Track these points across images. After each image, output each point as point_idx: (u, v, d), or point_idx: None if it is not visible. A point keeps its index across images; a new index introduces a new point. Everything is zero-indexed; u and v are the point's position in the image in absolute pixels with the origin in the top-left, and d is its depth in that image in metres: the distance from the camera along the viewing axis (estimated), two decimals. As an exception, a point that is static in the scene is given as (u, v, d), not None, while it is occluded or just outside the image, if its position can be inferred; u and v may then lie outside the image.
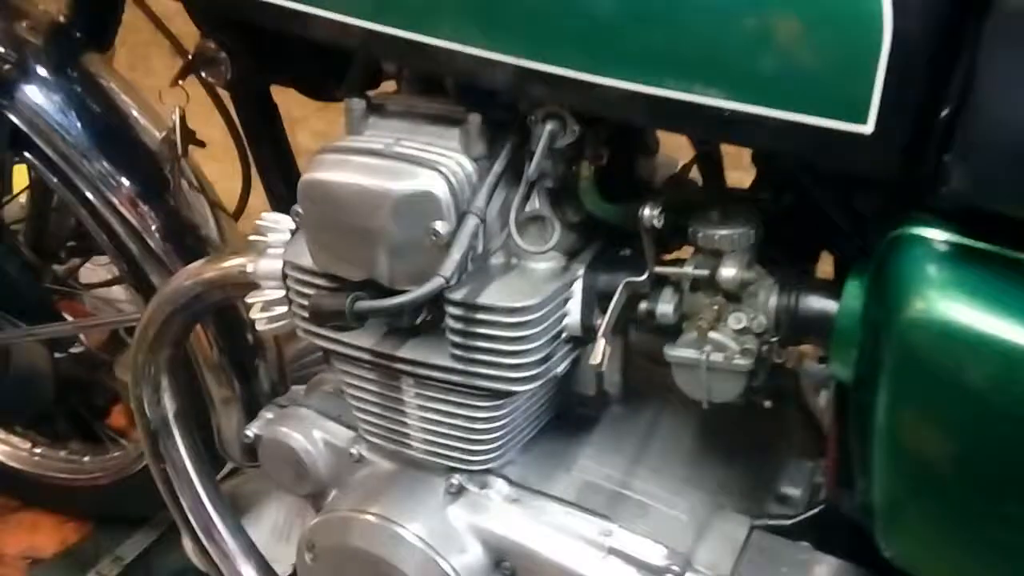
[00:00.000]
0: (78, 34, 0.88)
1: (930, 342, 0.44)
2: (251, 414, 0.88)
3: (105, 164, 0.89)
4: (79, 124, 0.89)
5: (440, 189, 0.52)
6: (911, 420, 0.46)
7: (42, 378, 1.01)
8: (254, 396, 0.90)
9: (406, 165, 0.53)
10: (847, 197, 0.51)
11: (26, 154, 0.88)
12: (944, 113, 0.44)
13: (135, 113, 0.93)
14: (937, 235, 0.46)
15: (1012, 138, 0.41)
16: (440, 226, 0.52)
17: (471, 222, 0.52)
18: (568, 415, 0.66)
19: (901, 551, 0.50)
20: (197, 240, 0.93)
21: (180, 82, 0.67)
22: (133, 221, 0.89)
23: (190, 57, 0.66)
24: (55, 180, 0.89)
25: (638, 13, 0.45)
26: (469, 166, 0.54)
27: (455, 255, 0.52)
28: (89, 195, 0.88)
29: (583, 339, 0.58)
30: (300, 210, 0.56)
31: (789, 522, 0.60)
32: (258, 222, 0.65)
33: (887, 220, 0.48)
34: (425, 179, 0.52)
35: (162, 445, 0.74)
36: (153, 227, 0.90)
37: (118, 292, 1.17)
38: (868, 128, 0.43)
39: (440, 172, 0.52)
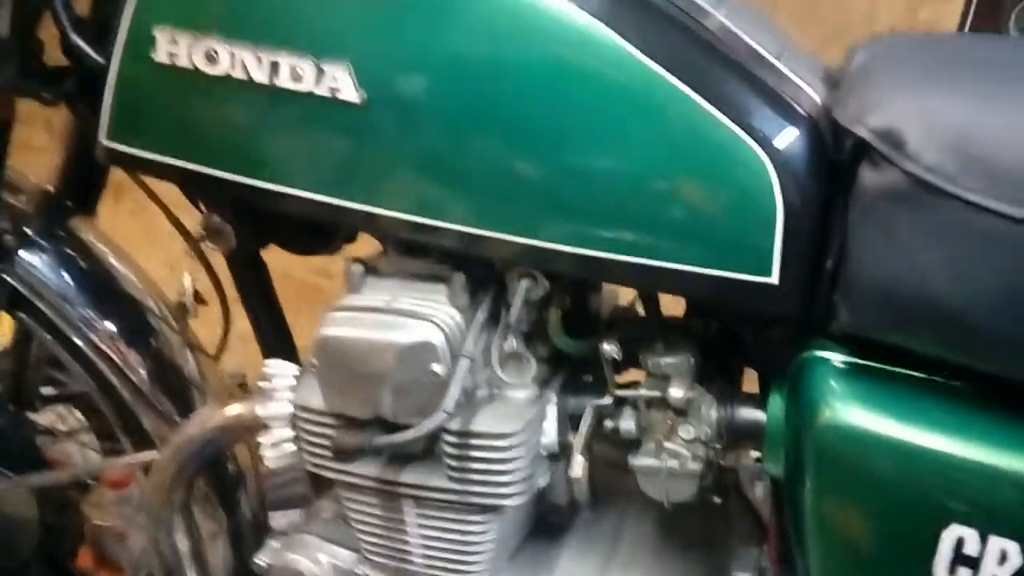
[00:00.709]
0: (68, 202, 0.98)
1: (838, 444, 0.57)
2: (236, 545, 0.96)
3: (92, 313, 0.97)
4: (68, 279, 0.97)
5: (436, 338, 0.63)
6: (831, 508, 0.58)
7: (29, 527, 1.06)
8: (239, 526, 0.97)
9: (405, 319, 0.64)
10: (760, 327, 0.65)
11: (20, 314, 0.96)
12: (829, 263, 0.58)
13: (118, 265, 1.02)
14: (837, 357, 0.59)
15: (878, 285, 0.55)
16: (438, 368, 0.63)
17: (464, 363, 0.63)
18: (542, 523, 0.76)
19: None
20: (181, 380, 1.01)
21: (196, 249, 0.78)
22: (120, 364, 0.97)
23: (200, 230, 0.76)
24: (45, 333, 0.97)
25: (586, 196, 0.58)
26: (457, 316, 0.65)
27: (454, 392, 0.63)
28: (78, 342, 0.96)
29: (557, 455, 0.70)
30: (315, 361, 0.67)
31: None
32: (264, 370, 0.74)
33: (795, 344, 0.62)
34: (423, 330, 0.63)
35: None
36: (140, 369, 0.98)
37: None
38: (773, 279, 0.57)
39: (434, 323, 0.64)
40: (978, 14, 1.46)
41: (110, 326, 0.98)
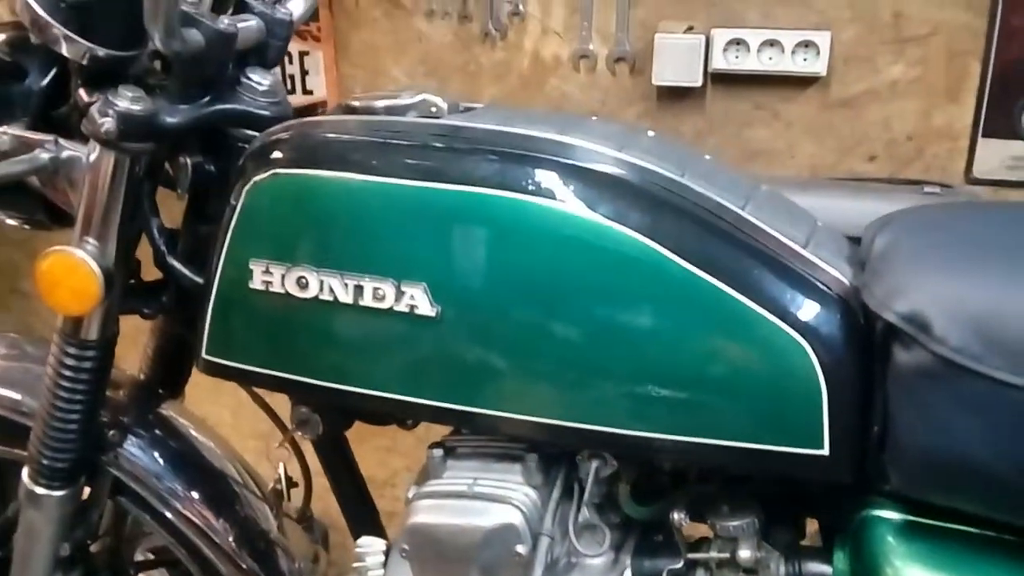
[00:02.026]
0: (159, 389, 1.07)
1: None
2: None
3: (181, 488, 1.05)
4: (161, 461, 1.06)
5: (517, 519, 0.70)
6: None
7: None
8: None
9: (487, 503, 0.71)
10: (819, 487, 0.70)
11: (122, 500, 1.04)
12: (875, 430, 0.63)
13: (205, 441, 1.10)
14: (894, 515, 0.65)
15: (921, 453, 0.60)
16: (521, 548, 0.69)
17: (544, 543, 0.70)
18: None
19: None
20: (267, 543, 1.08)
21: (285, 444, 0.86)
22: (207, 531, 1.04)
23: (291, 421, 0.84)
24: (141, 511, 1.05)
25: (648, 390, 0.65)
26: (534, 495, 0.72)
27: (537, 571, 0.69)
28: (169, 515, 1.04)
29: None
30: (406, 547, 0.73)
31: None
32: (356, 549, 0.81)
33: (855, 500, 0.67)
34: (504, 513, 0.70)
35: None
36: (229, 537, 1.05)
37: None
38: (825, 451, 0.63)
39: (514, 505, 0.70)
40: (989, 118, 1.54)
41: (197, 497, 1.06)
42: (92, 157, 0.78)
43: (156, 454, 1.06)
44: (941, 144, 1.59)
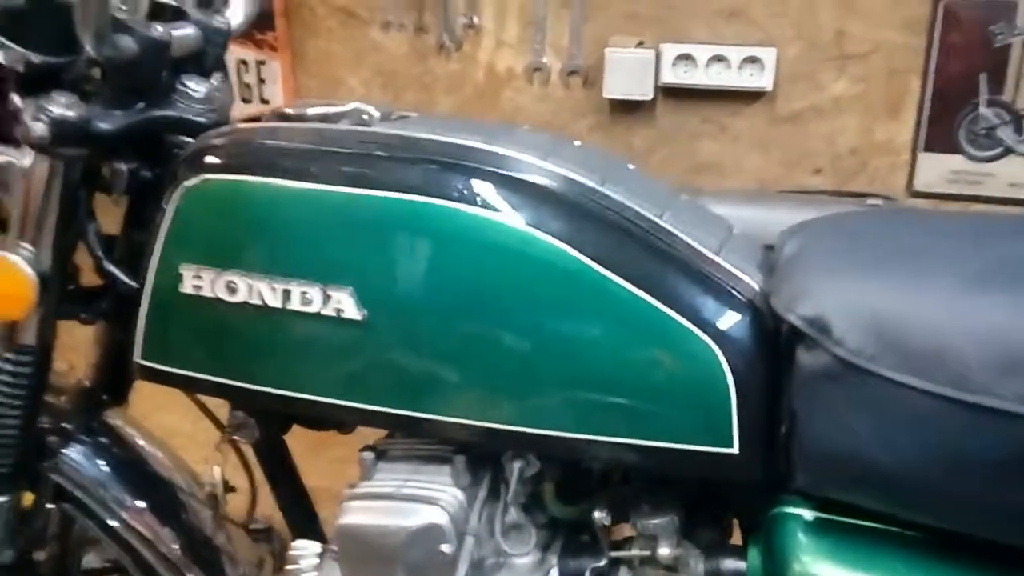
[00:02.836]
0: (103, 396, 1.07)
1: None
2: None
3: (126, 496, 1.06)
4: (105, 468, 1.06)
5: (443, 519, 0.71)
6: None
7: None
8: None
9: (414, 504, 0.72)
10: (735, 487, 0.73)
11: (65, 505, 1.04)
12: (783, 431, 0.66)
13: (149, 449, 1.11)
14: (804, 512, 0.67)
15: (823, 452, 0.63)
16: (446, 548, 0.71)
17: (469, 542, 0.71)
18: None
19: None
20: (212, 550, 1.09)
21: (222, 444, 0.87)
22: (152, 540, 1.05)
23: (226, 428, 0.85)
24: (85, 518, 1.05)
25: (563, 391, 0.67)
26: (461, 495, 0.73)
27: (462, 568, 0.70)
28: (114, 524, 1.04)
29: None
30: (335, 548, 0.75)
31: None
32: (290, 552, 0.82)
33: (768, 499, 0.69)
34: (430, 514, 0.72)
35: None
36: (172, 544, 1.06)
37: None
38: (735, 449, 0.65)
39: (440, 506, 0.72)
40: (929, 133, 1.58)
41: (143, 506, 1.06)
42: (26, 162, 0.79)
43: (99, 461, 1.06)
44: (883, 158, 1.64)
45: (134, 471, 1.08)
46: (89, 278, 0.91)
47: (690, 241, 0.69)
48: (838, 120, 1.65)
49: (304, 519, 0.92)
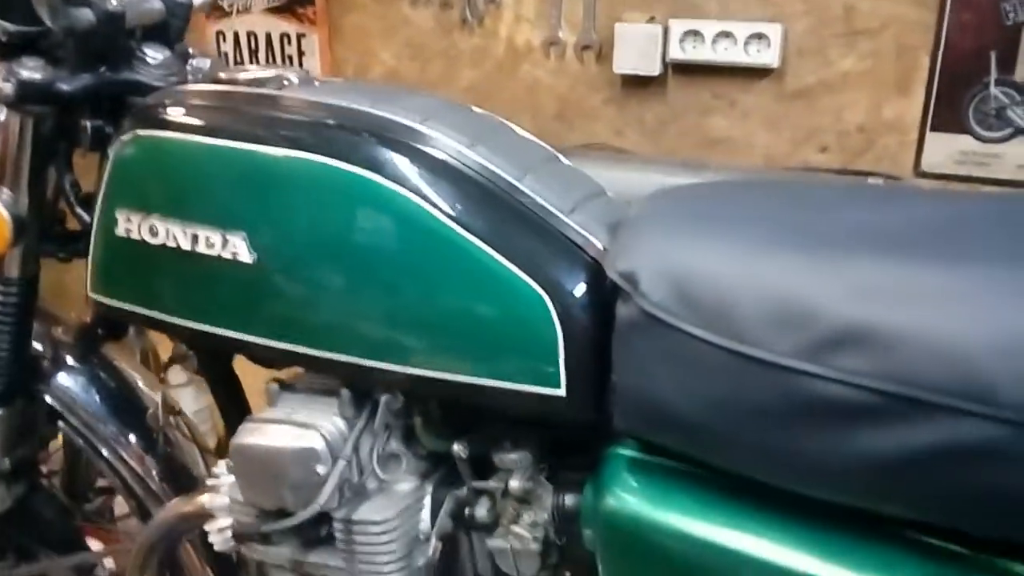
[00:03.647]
0: (99, 331, 1.21)
1: (617, 524, 0.70)
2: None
3: (116, 427, 1.20)
4: (98, 399, 1.21)
5: (319, 444, 0.81)
6: (619, 573, 0.71)
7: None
8: None
9: (297, 429, 0.82)
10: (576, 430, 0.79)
11: (59, 424, 1.19)
12: (605, 376, 0.72)
13: (142, 385, 1.25)
14: (628, 453, 0.73)
15: (634, 398, 0.69)
16: (320, 469, 0.80)
17: (340, 464, 0.80)
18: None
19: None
20: (190, 479, 1.22)
21: (164, 373, 0.99)
22: (138, 469, 1.19)
23: (169, 358, 0.97)
24: (81, 443, 1.20)
25: (408, 329, 0.75)
26: (341, 424, 0.82)
27: (328, 487, 0.80)
28: (105, 452, 1.19)
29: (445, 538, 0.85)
30: (231, 463, 0.85)
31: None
32: (214, 470, 0.94)
33: (605, 441, 0.76)
34: (309, 438, 0.81)
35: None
36: (154, 472, 1.19)
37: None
38: (562, 391, 0.72)
39: (320, 433, 0.81)
40: (937, 112, 1.57)
41: (130, 435, 1.20)
42: (1, 117, 0.93)
43: (93, 391, 1.21)
44: (891, 136, 1.63)
45: (123, 402, 1.22)
46: (72, 221, 1.05)
47: (541, 201, 0.76)
48: (846, 96, 1.65)
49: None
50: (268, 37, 2.05)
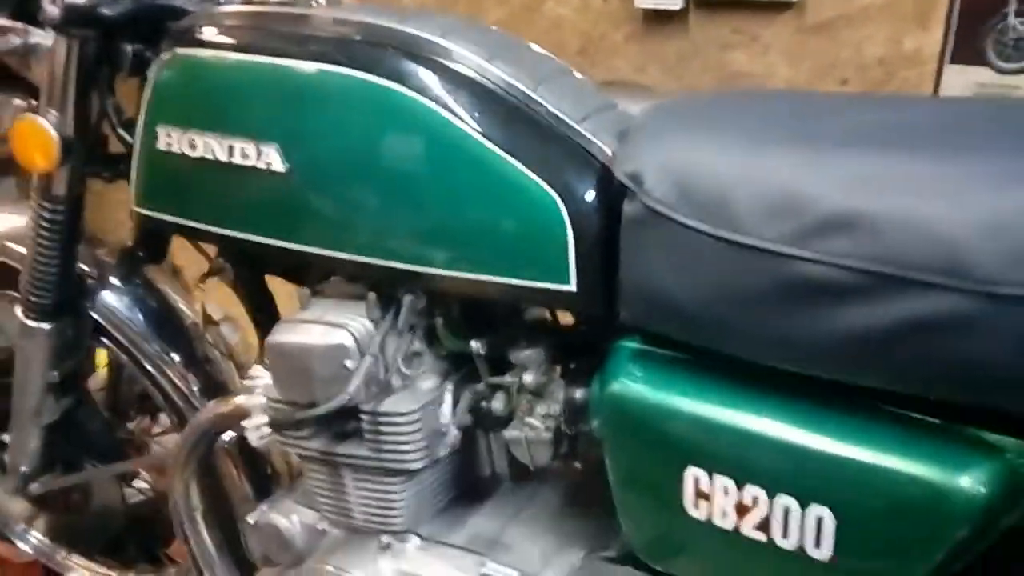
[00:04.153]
0: (140, 253, 1.29)
1: (620, 410, 0.76)
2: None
3: (159, 345, 1.28)
4: (141, 318, 1.28)
5: (348, 341, 0.87)
6: (622, 461, 0.78)
7: (115, 510, 1.37)
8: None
9: (327, 328, 0.89)
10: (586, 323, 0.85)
11: (104, 340, 1.27)
12: (613, 271, 0.78)
13: (181, 305, 1.33)
14: (632, 345, 0.79)
15: (638, 289, 0.74)
16: (349, 363, 0.87)
17: (367, 360, 0.87)
18: (472, 490, 0.98)
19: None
20: (227, 392, 1.30)
21: (204, 283, 1.06)
22: (180, 385, 1.26)
23: (208, 269, 1.04)
24: (125, 359, 1.28)
25: (429, 230, 0.81)
26: (369, 324, 0.89)
27: (356, 380, 0.86)
28: (150, 368, 1.27)
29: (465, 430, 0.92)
30: (267, 360, 0.92)
31: (613, 553, 0.90)
32: (249, 372, 1.01)
33: (613, 334, 0.81)
34: (338, 335, 0.88)
35: (192, 536, 1.09)
36: (194, 388, 1.27)
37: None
38: (572, 287, 0.78)
39: (348, 330, 0.88)
40: (956, 45, 1.59)
41: (172, 353, 1.28)
42: (49, 42, 0.99)
43: (136, 310, 1.28)
44: (911, 69, 1.65)
45: (165, 321, 1.30)
46: (116, 146, 1.11)
47: (554, 110, 0.81)
48: (866, 30, 1.67)
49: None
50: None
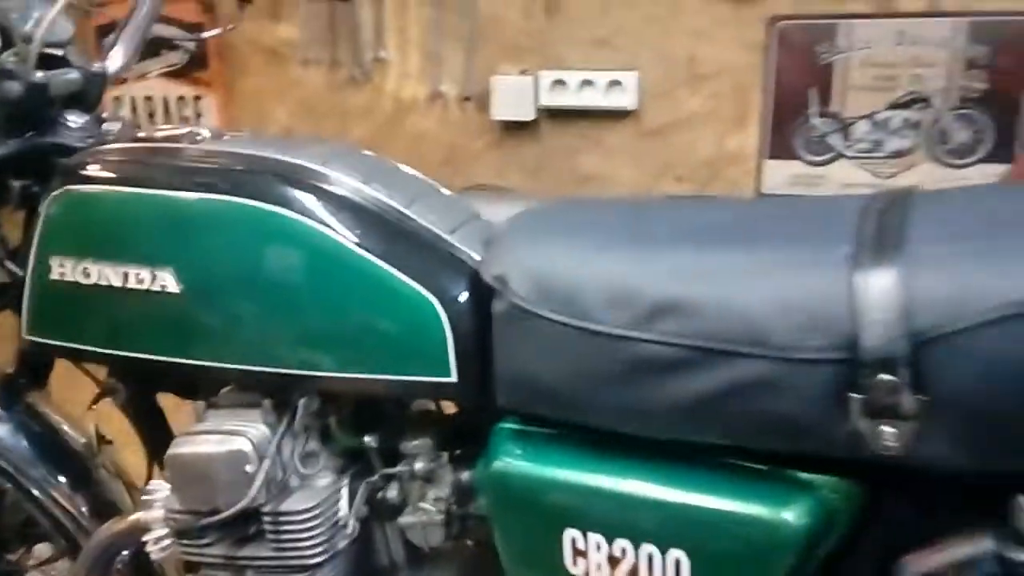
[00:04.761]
0: (22, 380, 1.30)
1: (506, 485, 0.86)
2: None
3: (45, 469, 1.28)
4: (25, 443, 1.29)
5: (247, 447, 0.94)
6: (510, 528, 0.87)
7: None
8: None
9: (227, 436, 0.95)
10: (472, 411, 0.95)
11: (-10, 472, 1.27)
12: (492, 363, 0.88)
13: (65, 428, 1.34)
14: (513, 426, 0.89)
15: (510, 377, 0.85)
16: (249, 468, 0.93)
17: (266, 464, 0.93)
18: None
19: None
20: (115, 511, 1.31)
21: (95, 406, 1.10)
22: (70, 507, 1.27)
23: (100, 391, 1.09)
24: (10, 486, 1.28)
25: (319, 339, 0.90)
26: (265, 429, 0.96)
27: (256, 484, 0.92)
28: (36, 493, 1.27)
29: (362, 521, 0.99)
30: (167, 472, 0.97)
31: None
32: (147, 487, 1.05)
33: (492, 421, 0.91)
34: (238, 442, 0.94)
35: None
36: (83, 509, 1.28)
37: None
38: (453, 378, 0.88)
39: (247, 437, 0.94)
40: (772, 142, 1.81)
41: (59, 476, 1.29)
42: (-65, 180, 1.04)
43: (17, 433, 1.29)
44: (735, 166, 1.87)
45: (50, 445, 1.31)
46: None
47: (426, 224, 0.92)
48: (695, 133, 1.89)
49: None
50: (165, 100, 2.18)
